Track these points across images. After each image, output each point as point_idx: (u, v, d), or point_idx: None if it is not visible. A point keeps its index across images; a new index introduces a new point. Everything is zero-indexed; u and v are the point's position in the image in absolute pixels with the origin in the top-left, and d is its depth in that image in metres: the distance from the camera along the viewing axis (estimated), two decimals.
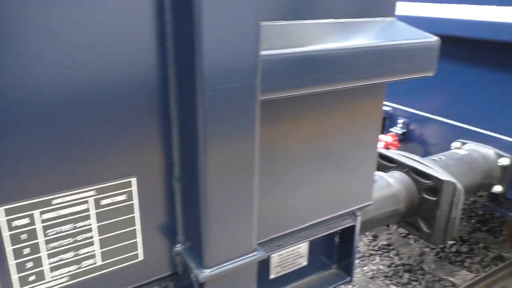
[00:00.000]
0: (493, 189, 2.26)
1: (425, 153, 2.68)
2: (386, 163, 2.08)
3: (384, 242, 3.69)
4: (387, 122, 2.90)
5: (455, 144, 2.43)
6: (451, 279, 3.22)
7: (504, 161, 2.19)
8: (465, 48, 2.33)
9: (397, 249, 3.63)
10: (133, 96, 0.85)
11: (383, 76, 1.10)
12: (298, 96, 1.01)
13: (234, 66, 0.84)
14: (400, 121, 2.79)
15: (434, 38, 1.17)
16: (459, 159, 2.17)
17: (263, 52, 0.89)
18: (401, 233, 3.81)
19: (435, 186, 1.86)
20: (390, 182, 1.90)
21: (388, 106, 2.88)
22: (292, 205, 1.25)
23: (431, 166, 1.94)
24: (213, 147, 0.87)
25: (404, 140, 2.78)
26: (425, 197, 1.91)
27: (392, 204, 1.87)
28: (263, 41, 0.90)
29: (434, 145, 2.62)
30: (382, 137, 2.76)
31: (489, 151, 2.27)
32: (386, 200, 1.85)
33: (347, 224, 1.45)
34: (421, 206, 1.93)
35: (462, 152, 2.24)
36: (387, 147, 2.73)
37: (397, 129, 2.78)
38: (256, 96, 0.89)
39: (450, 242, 3.76)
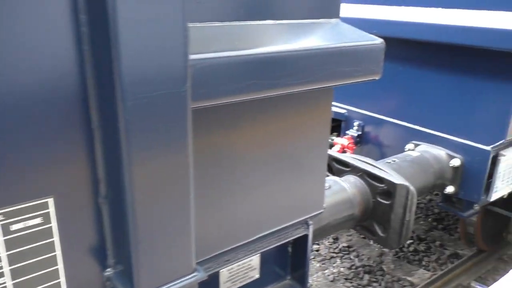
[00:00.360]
0: (445, 190, 2.28)
1: (381, 155, 2.69)
2: (340, 167, 2.05)
3: (345, 244, 3.69)
4: (343, 124, 2.89)
5: (408, 146, 2.45)
6: (409, 278, 3.25)
7: (455, 162, 2.22)
8: (416, 50, 2.35)
9: (357, 251, 3.64)
10: (47, 106, 0.75)
11: (327, 80, 1.05)
12: (239, 101, 0.94)
13: (158, 72, 0.76)
14: (356, 123, 2.78)
15: (378, 40, 1.13)
16: (412, 161, 2.17)
17: (194, 56, 0.81)
18: (361, 235, 3.83)
19: (389, 189, 1.84)
20: (344, 187, 1.87)
21: (343, 108, 2.87)
22: (240, 218, 1.18)
23: (385, 169, 1.93)
24: (138, 161, 0.78)
25: (360, 142, 2.78)
26: (379, 201, 1.89)
27: (347, 209, 1.84)
28: (195, 44, 0.82)
29: (389, 147, 2.63)
30: (338, 140, 2.75)
31: (441, 152, 2.29)
32: (341, 205, 1.82)
33: (299, 233, 1.40)
34: (376, 210, 1.91)
35: (415, 154, 2.25)
36: (343, 150, 2.72)
37: (353, 132, 2.78)
38: (187, 105, 0.81)
39: (408, 241, 3.81)
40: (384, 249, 3.71)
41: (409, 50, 2.38)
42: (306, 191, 1.32)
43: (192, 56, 0.81)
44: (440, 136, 2.32)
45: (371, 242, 3.77)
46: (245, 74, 0.90)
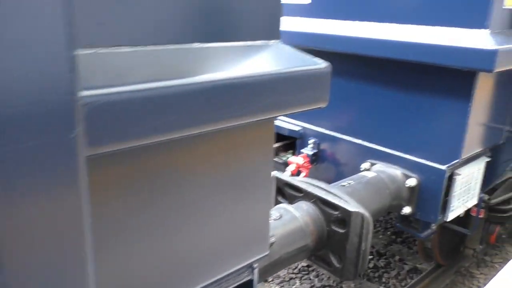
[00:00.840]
0: (402, 210, 2.20)
1: (338, 174, 2.59)
2: (293, 193, 1.92)
3: (304, 264, 3.57)
4: (298, 142, 2.78)
5: (364, 165, 2.35)
6: None
7: (411, 182, 2.14)
8: (372, 67, 2.27)
9: (317, 270, 3.53)
10: None
11: (263, 112, 0.91)
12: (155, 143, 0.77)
13: (35, 114, 0.58)
14: (311, 141, 2.67)
15: (323, 64, 1.00)
16: (367, 183, 2.07)
17: (88, 92, 0.64)
18: (317, 266, 3.72)
19: (343, 217, 1.73)
20: (296, 216, 1.73)
21: (298, 126, 2.75)
22: (170, 269, 1.01)
23: (339, 194, 1.81)
24: (14, 217, 0.60)
25: (316, 161, 2.67)
26: (334, 230, 1.77)
27: (300, 240, 1.70)
28: (94, 75, 0.65)
29: (346, 165, 2.53)
30: (293, 159, 2.63)
31: (396, 172, 2.21)
32: (293, 236, 1.68)
33: (243, 279, 1.24)
34: (331, 239, 1.78)
35: (370, 174, 2.16)
36: (298, 169, 2.60)
37: (308, 150, 2.66)
38: (78, 153, 0.64)
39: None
40: None
41: (364, 66, 2.30)
42: (248, 232, 1.16)
43: (86, 92, 0.64)
44: (396, 155, 2.24)
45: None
46: (162, 110, 0.74)
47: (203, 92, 0.80)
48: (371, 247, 3.88)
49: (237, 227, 1.13)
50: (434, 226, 2.28)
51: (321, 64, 1.00)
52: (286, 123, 2.82)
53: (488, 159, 2.30)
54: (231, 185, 1.07)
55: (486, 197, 2.71)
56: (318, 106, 1.04)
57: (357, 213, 1.69)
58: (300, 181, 1.92)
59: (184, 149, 0.94)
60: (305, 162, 2.59)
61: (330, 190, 1.84)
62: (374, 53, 2.09)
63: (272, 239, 1.57)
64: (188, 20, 0.89)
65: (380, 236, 4.07)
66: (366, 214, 1.74)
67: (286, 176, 1.97)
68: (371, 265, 3.64)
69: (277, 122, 2.85)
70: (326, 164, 2.65)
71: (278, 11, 0.98)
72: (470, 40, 1.76)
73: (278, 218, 1.69)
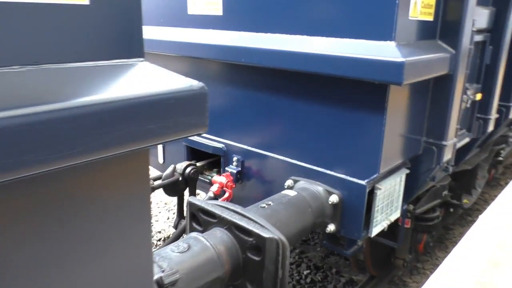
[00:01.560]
0: (327, 228, 2.13)
1: (263, 192, 2.48)
2: (207, 219, 1.78)
3: None
4: (222, 160, 2.65)
5: (288, 182, 2.27)
6: None
7: (333, 199, 2.08)
8: (289, 81, 2.19)
9: None
10: None
11: (122, 145, 0.76)
12: None
13: None
14: (235, 159, 2.55)
15: (197, 85, 0.88)
16: (288, 203, 1.98)
17: None
18: None
19: (258, 244, 1.60)
20: (207, 245, 1.59)
21: (221, 143, 2.63)
22: None
23: (254, 218, 1.69)
24: None
25: (241, 179, 2.55)
26: (249, 257, 1.64)
27: (212, 271, 1.55)
28: None
29: (271, 183, 2.43)
30: (216, 178, 2.49)
31: (319, 188, 2.14)
32: (203, 268, 1.53)
33: None
34: (247, 268, 1.66)
35: (291, 193, 2.07)
36: (222, 189, 2.46)
37: (232, 168, 2.54)
38: None
39: (305, 272, 3.67)
40: None
41: (282, 80, 2.22)
42: (130, 270, 1.00)
43: None
44: (318, 171, 2.18)
45: None
46: None
47: (38, 125, 0.65)
48: (308, 261, 3.83)
49: (116, 267, 0.97)
50: (359, 242, 2.23)
51: (194, 85, 0.88)
52: (210, 140, 2.68)
53: (407, 171, 2.29)
54: (104, 221, 0.91)
55: (411, 207, 2.73)
56: (196, 133, 0.91)
57: (271, 239, 1.58)
58: (214, 206, 1.78)
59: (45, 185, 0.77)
60: (228, 182, 2.46)
61: (246, 214, 1.72)
62: (285, 65, 2.02)
63: (176, 276, 1.41)
64: (21, 35, 0.73)
65: (318, 249, 4.03)
66: (283, 238, 1.63)
67: (199, 200, 1.82)
68: (308, 280, 3.57)
69: (200, 140, 2.70)
70: (251, 182, 2.54)
71: (138, 24, 0.84)
72: (378, 52, 1.72)
73: (186, 250, 1.54)
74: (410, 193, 2.50)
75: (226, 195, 2.44)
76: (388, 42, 1.76)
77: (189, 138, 2.83)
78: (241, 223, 1.65)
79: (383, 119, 1.88)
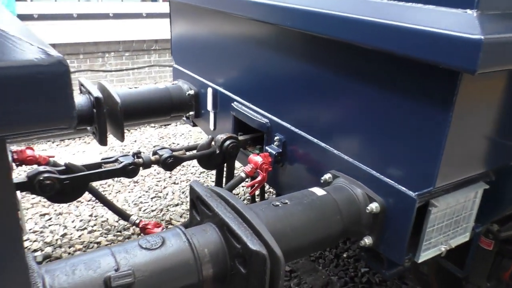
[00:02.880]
0: (362, 241, 1.72)
1: (305, 181, 2.13)
2: (205, 210, 1.52)
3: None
4: (265, 137, 2.33)
5: (326, 176, 1.88)
6: None
7: (373, 207, 1.65)
8: (346, 57, 1.74)
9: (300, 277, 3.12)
10: None
11: None
12: None
13: None
14: (276, 138, 2.22)
15: (53, 58, 0.59)
16: (309, 204, 1.62)
17: None
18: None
19: (244, 255, 1.31)
20: (185, 244, 1.34)
21: (265, 117, 2.30)
22: None
23: (252, 220, 1.38)
24: None
25: (282, 162, 2.22)
26: (237, 267, 1.35)
27: (183, 277, 1.31)
28: None
29: (312, 172, 2.06)
30: (252, 157, 2.19)
31: (358, 191, 1.72)
32: (173, 272, 1.29)
33: None
34: (233, 279, 1.38)
35: (319, 192, 1.69)
36: (255, 171, 2.17)
37: (272, 149, 2.22)
38: None
39: (362, 269, 3.26)
40: (333, 278, 3.18)
41: (336, 54, 1.79)
42: None
43: None
44: (360, 168, 1.75)
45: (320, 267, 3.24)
46: None
47: None
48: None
49: None
50: (406, 263, 1.79)
51: (47, 57, 0.59)
52: (256, 113, 2.37)
53: (486, 186, 1.73)
54: None
55: (495, 227, 2.14)
56: (54, 127, 0.63)
57: (257, 253, 1.26)
58: (213, 196, 1.51)
59: None
60: (264, 163, 2.15)
61: (245, 213, 1.42)
62: (334, 33, 1.59)
63: (129, 279, 1.20)
64: None
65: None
66: (277, 253, 1.31)
67: (199, 186, 1.56)
68: (364, 279, 3.16)
69: (246, 110, 2.42)
70: (293, 168, 2.20)
71: None
72: (447, 24, 1.21)
73: (157, 247, 1.31)
74: (494, 211, 1.92)
75: (258, 178, 2.14)
76: (468, 10, 1.23)
77: (235, 108, 2.60)
78: (232, 225, 1.36)
79: (447, 119, 1.37)
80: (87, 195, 3.84)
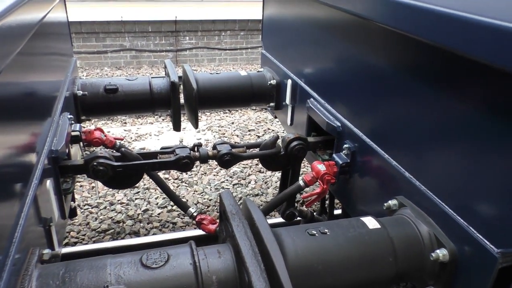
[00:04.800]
0: None
1: (365, 202, 1.82)
2: (228, 227, 1.34)
3: None
4: (336, 143, 2.04)
5: (389, 203, 1.55)
6: None
7: (440, 254, 1.29)
8: (435, 63, 1.38)
9: None
10: None
11: None
12: None
13: None
14: (345, 146, 1.92)
15: None
16: (355, 238, 1.33)
17: None
18: None
19: None
20: (188, 267, 1.19)
21: (337, 119, 2.01)
22: None
23: (271, 251, 1.17)
24: None
25: (349, 173, 1.92)
26: None
27: None
28: None
29: (380, 192, 1.73)
30: (315, 164, 1.94)
31: (424, 229, 1.37)
32: None
33: None
34: None
35: (372, 224, 1.38)
36: (315, 181, 1.91)
37: (339, 157, 1.92)
38: None
39: None
40: None
41: (422, 58, 1.42)
42: None
43: None
44: (432, 201, 1.38)
45: None
46: None
47: None
48: None
49: None
50: None
51: None
52: (328, 113, 2.09)
53: None
54: None
55: None
56: None
57: None
58: (238, 213, 1.32)
59: None
60: (327, 174, 1.87)
61: (267, 241, 1.21)
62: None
63: None
64: None
65: None
66: None
67: (228, 197, 1.38)
68: None
69: (319, 109, 2.15)
70: (357, 183, 1.88)
71: None
72: None
73: (159, 266, 1.18)
74: None
75: (317, 190, 1.88)
76: None
77: (310, 105, 2.30)
78: (244, 254, 1.16)
79: None
80: (175, 174, 3.98)
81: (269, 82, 2.80)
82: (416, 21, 1.28)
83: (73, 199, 2.20)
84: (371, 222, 1.39)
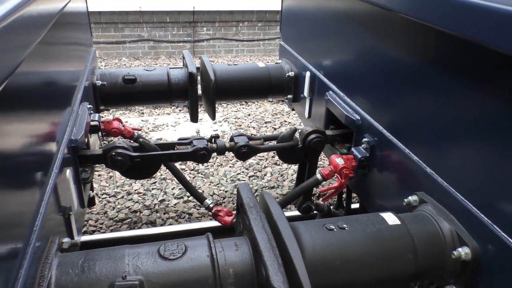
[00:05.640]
0: None
1: (384, 197, 1.79)
2: (246, 220, 1.34)
3: None
4: (355, 136, 2.01)
5: (410, 199, 1.52)
6: None
7: (462, 252, 1.26)
8: (457, 54, 1.33)
9: None
10: None
11: None
12: None
13: None
14: (365, 140, 1.88)
15: None
16: (374, 234, 1.30)
17: None
18: None
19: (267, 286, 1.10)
20: (205, 259, 1.19)
21: (357, 112, 1.97)
22: None
23: (288, 245, 1.16)
24: None
25: (366, 168, 1.89)
26: None
27: None
28: None
29: (397, 189, 1.70)
30: (333, 157, 1.91)
31: (445, 226, 1.34)
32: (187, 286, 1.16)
33: None
34: None
35: (392, 220, 1.35)
36: (333, 174, 1.88)
37: (358, 151, 1.89)
38: None
39: None
40: None
41: (467, 56, 1.38)
42: None
43: None
44: (454, 197, 1.35)
45: None
46: None
47: None
48: None
49: None
50: None
51: None
52: (347, 106, 2.05)
53: None
54: None
55: None
56: None
57: None
58: (256, 207, 1.31)
59: None
60: (345, 168, 1.85)
61: (284, 235, 1.20)
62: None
63: None
64: None
65: None
66: None
67: (246, 189, 1.38)
68: None
69: (338, 102, 2.12)
70: (376, 178, 1.85)
71: None
72: None
73: (177, 257, 1.18)
74: None
75: (335, 184, 1.86)
76: None
77: (328, 98, 2.26)
78: (262, 248, 1.16)
79: None
80: (192, 165, 4.00)
81: (287, 74, 2.77)
82: (439, 11, 1.23)
83: (92, 188, 2.22)
84: (390, 218, 1.36)
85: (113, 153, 1.88)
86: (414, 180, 1.57)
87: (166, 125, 4.88)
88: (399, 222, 1.35)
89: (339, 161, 1.88)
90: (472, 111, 1.29)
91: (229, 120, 5.07)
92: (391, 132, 1.73)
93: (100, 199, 3.40)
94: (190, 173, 3.84)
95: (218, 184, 3.66)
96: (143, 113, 5.23)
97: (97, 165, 2.10)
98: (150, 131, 4.72)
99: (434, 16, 1.27)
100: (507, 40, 1.00)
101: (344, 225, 1.32)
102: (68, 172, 1.57)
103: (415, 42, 1.55)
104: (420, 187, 1.54)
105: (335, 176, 1.88)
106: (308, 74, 2.54)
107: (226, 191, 3.56)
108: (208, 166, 3.95)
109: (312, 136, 2.09)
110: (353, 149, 1.93)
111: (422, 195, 1.50)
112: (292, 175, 3.84)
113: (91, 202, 2.20)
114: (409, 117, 1.62)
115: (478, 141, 1.28)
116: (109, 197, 3.42)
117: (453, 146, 1.39)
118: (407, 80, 1.62)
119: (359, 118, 1.95)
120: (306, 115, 2.63)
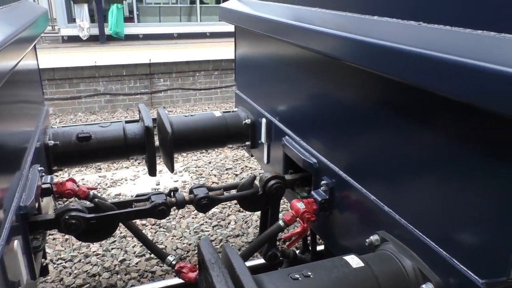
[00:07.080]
0: None
1: (347, 239, 1.80)
2: (208, 279, 1.29)
3: None
4: (313, 179, 2.03)
5: (371, 238, 1.53)
6: None
7: None
8: (400, 97, 1.41)
9: None
10: None
11: None
12: None
13: None
14: (323, 182, 1.91)
15: None
16: (339, 279, 1.29)
17: None
18: None
19: None
20: None
21: (313, 156, 2.01)
22: None
23: None
24: None
25: (329, 210, 1.90)
26: None
27: None
28: None
29: (361, 229, 1.72)
30: (294, 202, 1.91)
31: (407, 263, 1.35)
32: None
33: None
34: None
35: (355, 263, 1.35)
36: (295, 219, 1.88)
37: (318, 194, 1.91)
38: None
39: None
40: None
41: (394, 95, 1.46)
42: None
43: None
44: (415, 236, 1.37)
45: None
46: None
47: None
48: None
49: None
50: None
51: None
52: (304, 150, 2.09)
53: None
54: None
55: None
56: None
57: None
58: (218, 262, 1.27)
59: None
60: (306, 212, 1.85)
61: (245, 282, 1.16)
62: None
63: None
64: None
65: None
66: None
67: (206, 245, 1.34)
68: None
69: (295, 147, 2.15)
70: (337, 220, 1.87)
71: None
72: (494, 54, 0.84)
73: None
74: None
75: (298, 229, 1.85)
76: None
77: (285, 143, 2.31)
78: None
79: None
80: (152, 219, 3.88)
81: (244, 122, 2.80)
82: (383, 60, 1.31)
83: (44, 256, 2.09)
84: (354, 261, 1.36)
85: (67, 217, 1.79)
86: (374, 219, 1.60)
87: (125, 179, 4.75)
88: (362, 264, 1.35)
89: (300, 205, 1.88)
90: (421, 149, 1.35)
91: (190, 169, 5.02)
92: (348, 173, 1.77)
93: (55, 265, 3.19)
94: (151, 228, 3.72)
95: (181, 237, 3.56)
96: (100, 169, 5.08)
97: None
98: (108, 187, 4.57)
99: (374, 62, 1.35)
100: (447, 85, 1.06)
101: (309, 273, 1.30)
102: (16, 242, 1.47)
103: (361, 87, 1.62)
104: (380, 226, 1.56)
105: (298, 221, 1.87)
106: (264, 120, 2.58)
107: (189, 244, 3.45)
108: (170, 219, 3.85)
109: (272, 182, 2.10)
110: (313, 192, 1.94)
111: (383, 233, 1.52)
112: (256, 221, 3.80)
113: (44, 271, 2.06)
114: (363, 158, 1.67)
115: (429, 177, 1.32)
116: (65, 262, 3.23)
117: (407, 184, 1.44)
118: (357, 122, 1.68)
119: (316, 161, 1.98)
120: (265, 160, 2.65)
